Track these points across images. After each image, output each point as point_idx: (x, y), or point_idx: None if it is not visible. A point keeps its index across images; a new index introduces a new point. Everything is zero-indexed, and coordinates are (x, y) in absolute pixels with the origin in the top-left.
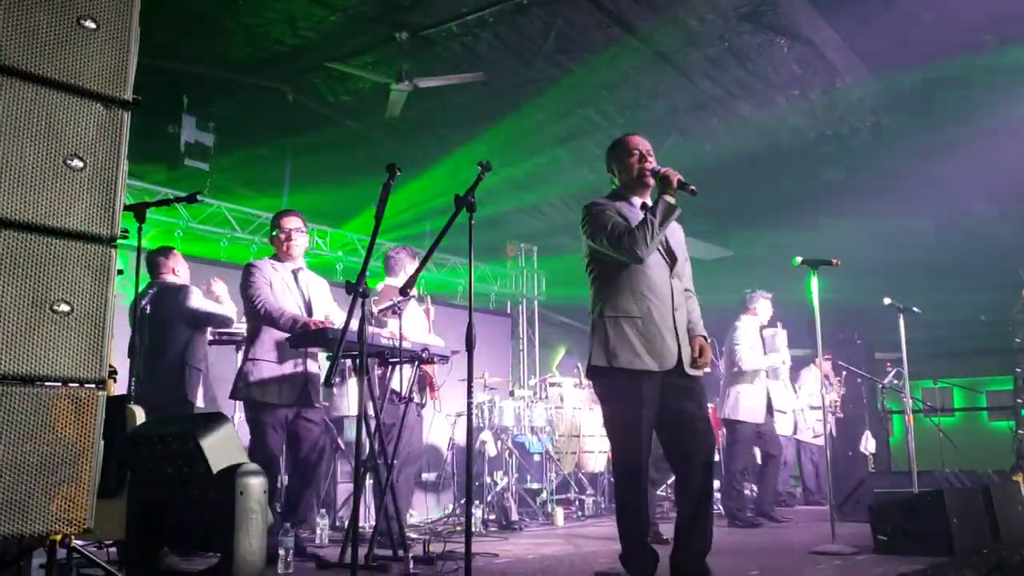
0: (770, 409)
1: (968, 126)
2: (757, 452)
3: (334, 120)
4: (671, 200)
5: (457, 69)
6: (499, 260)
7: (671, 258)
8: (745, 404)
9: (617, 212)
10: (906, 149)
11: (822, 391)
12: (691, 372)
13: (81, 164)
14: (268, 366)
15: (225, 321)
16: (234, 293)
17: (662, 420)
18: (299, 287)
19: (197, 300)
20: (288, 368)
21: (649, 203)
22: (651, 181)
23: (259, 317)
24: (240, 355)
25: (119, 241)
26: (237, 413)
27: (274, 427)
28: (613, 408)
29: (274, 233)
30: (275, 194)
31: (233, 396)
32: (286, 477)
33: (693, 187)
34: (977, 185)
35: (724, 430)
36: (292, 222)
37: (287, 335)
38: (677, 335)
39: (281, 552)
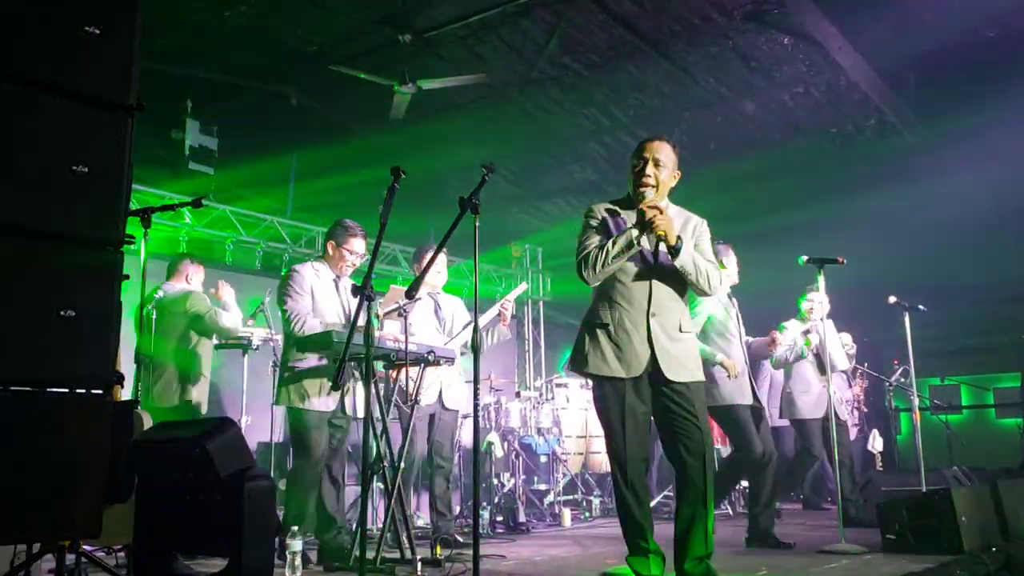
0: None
1: (972, 124)
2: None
3: (338, 123)
4: (634, 235)
5: (461, 71)
6: (504, 262)
7: (658, 263)
8: (800, 402)
9: (603, 224)
10: (911, 147)
11: (829, 389)
12: (672, 377)
13: (86, 170)
14: (302, 372)
15: (229, 331)
16: (240, 299)
17: (658, 424)
18: (339, 294)
19: (203, 306)
20: (320, 372)
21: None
22: (646, 194)
23: (294, 334)
24: (245, 360)
25: (125, 247)
26: (243, 417)
27: (312, 431)
28: (597, 411)
29: (335, 244)
30: (280, 197)
31: (276, 402)
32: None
33: (673, 245)
34: (983, 181)
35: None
36: (360, 246)
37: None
38: (651, 340)
39: (288, 556)
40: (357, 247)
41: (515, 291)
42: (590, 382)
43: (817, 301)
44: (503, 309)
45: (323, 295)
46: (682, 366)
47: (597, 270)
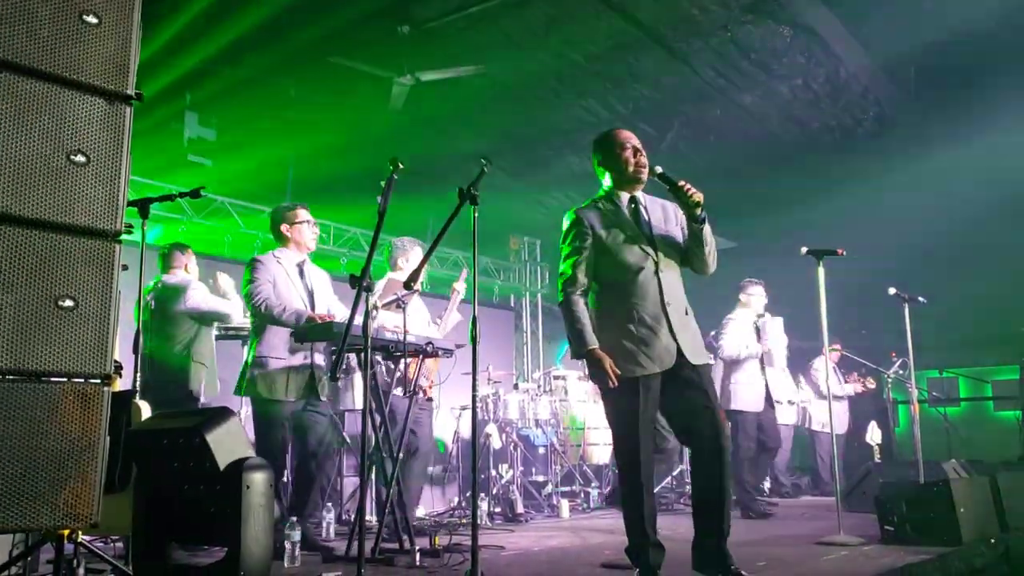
0: (769, 400)
1: (972, 114)
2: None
3: (338, 114)
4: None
5: (459, 61)
6: (502, 254)
7: (655, 251)
8: (742, 394)
9: (591, 228)
10: (909, 138)
11: (827, 381)
12: (695, 362)
13: (84, 159)
14: (274, 361)
15: (230, 316)
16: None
17: (672, 410)
18: (303, 280)
19: (202, 296)
20: (294, 362)
21: (640, 197)
22: (644, 177)
23: (260, 315)
24: (245, 350)
25: (124, 237)
26: (244, 408)
27: (281, 423)
28: (612, 403)
29: (285, 225)
30: (278, 188)
31: (238, 392)
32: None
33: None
34: (982, 174)
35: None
36: (306, 214)
37: (291, 330)
38: (673, 331)
39: (288, 546)
40: (304, 215)
41: (461, 276)
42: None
43: (758, 294)
44: (457, 290)
45: (285, 282)
46: (700, 349)
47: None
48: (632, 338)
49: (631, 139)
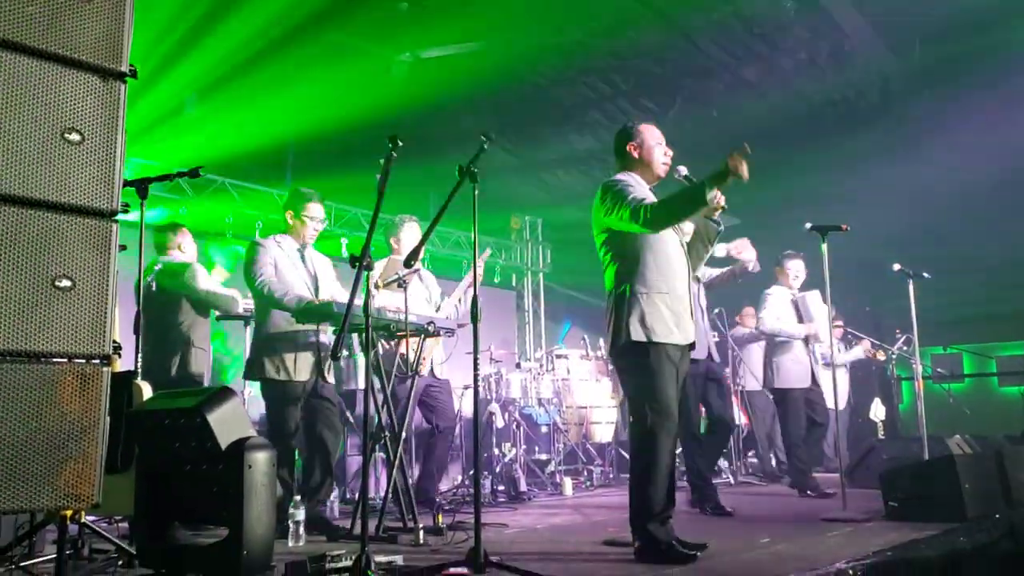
0: (815, 375)
1: (978, 89)
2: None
3: (337, 92)
4: (705, 204)
5: (459, 38)
6: (503, 233)
7: (682, 235)
8: (786, 371)
9: (638, 188)
10: (915, 113)
11: (832, 358)
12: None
13: (79, 138)
14: (281, 344)
15: (230, 304)
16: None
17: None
18: (305, 265)
19: (202, 279)
20: (300, 344)
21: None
22: (662, 173)
23: (263, 297)
24: (248, 331)
25: (123, 218)
26: (245, 388)
27: (292, 404)
28: (651, 379)
29: (294, 213)
30: (278, 167)
31: (248, 377)
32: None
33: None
34: (987, 149)
35: (773, 401)
36: (318, 211)
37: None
38: (692, 312)
39: (291, 525)
40: (315, 212)
41: (482, 257)
42: (595, 353)
43: (796, 268)
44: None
45: (287, 266)
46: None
47: (667, 221)
48: (667, 305)
49: (662, 137)
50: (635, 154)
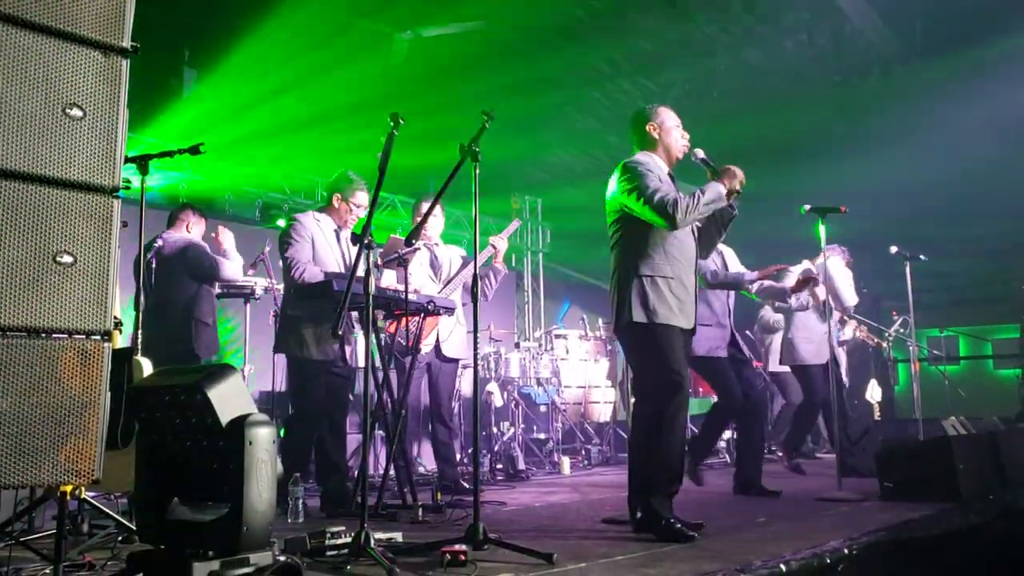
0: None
1: (977, 71)
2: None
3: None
4: (722, 190)
5: (460, 16)
6: (503, 213)
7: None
8: (803, 348)
9: (659, 175)
10: (914, 95)
11: (831, 339)
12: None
13: (80, 113)
14: (308, 320)
15: (231, 276)
16: (241, 246)
17: None
18: (340, 246)
19: (203, 254)
20: (319, 322)
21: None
22: (680, 155)
23: (291, 278)
24: (248, 308)
25: (124, 194)
26: (246, 365)
27: (312, 380)
28: (653, 359)
29: (341, 196)
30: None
31: (277, 350)
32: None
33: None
34: (985, 131)
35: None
36: (364, 199)
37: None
38: (695, 298)
39: (291, 501)
40: (362, 200)
41: (508, 228)
42: (593, 333)
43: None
44: (495, 247)
45: (324, 245)
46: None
47: (689, 216)
48: (671, 290)
49: (679, 120)
50: (654, 134)
